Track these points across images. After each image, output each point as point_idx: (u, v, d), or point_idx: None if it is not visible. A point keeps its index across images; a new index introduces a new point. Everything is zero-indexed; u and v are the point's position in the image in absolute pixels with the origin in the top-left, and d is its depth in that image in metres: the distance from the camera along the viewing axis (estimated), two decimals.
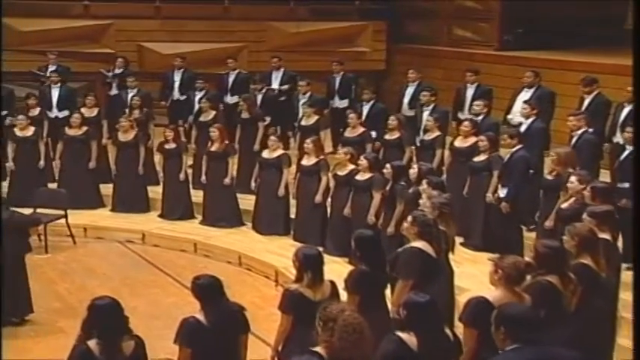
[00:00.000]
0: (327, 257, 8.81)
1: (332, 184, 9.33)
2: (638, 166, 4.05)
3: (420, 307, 4.50)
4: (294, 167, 10.05)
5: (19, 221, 7.57)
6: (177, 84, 12.90)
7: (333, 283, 5.48)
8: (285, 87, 12.67)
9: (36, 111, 11.53)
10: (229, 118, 11.70)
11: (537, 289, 5.08)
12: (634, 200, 3.88)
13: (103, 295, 4.80)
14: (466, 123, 9.53)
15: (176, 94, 12.92)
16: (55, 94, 12.28)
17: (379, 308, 5.71)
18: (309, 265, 5.35)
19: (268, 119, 11.65)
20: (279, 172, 9.72)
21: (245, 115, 11.29)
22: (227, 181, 10.18)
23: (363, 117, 11.00)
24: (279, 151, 9.86)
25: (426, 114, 10.63)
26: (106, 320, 4.61)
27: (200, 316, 4.99)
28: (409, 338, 4.40)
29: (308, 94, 12.03)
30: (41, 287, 8.29)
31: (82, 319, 4.69)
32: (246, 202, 10.30)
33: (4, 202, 8.16)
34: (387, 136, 10.23)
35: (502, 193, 8.59)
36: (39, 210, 9.76)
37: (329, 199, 9.36)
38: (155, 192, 10.90)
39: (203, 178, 10.34)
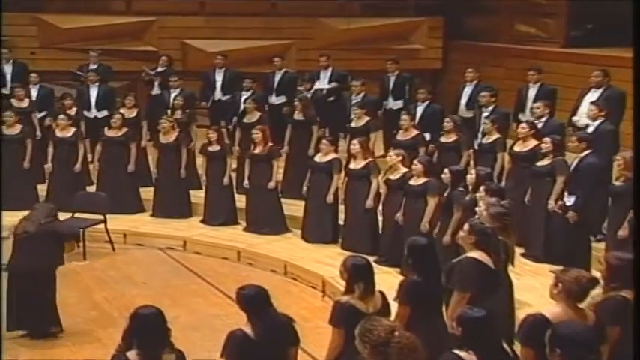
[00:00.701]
0: (377, 267, 8.88)
1: (383, 189, 9.29)
2: (639, 167, 4.00)
3: (476, 323, 4.42)
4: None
5: (56, 231, 7.54)
6: (218, 83, 13.02)
7: (383, 293, 5.45)
8: (333, 85, 12.63)
9: (72, 111, 11.71)
10: (274, 119, 11.75)
11: (610, 305, 4.96)
12: (634, 200, 3.83)
13: (147, 304, 4.83)
14: (523, 125, 9.42)
15: (218, 94, 13.02)
16: (93, 93, 12.49)
17: (433, 320, 5.67)
18: (361, 276, 5.32)
19: (317, 120, 11.66)
20: (330, 178, 9.73)
21: (298, 116, 11.32)
22: (271, 185, 10.21)
23: (417, 119, 10.98)
24: (331, 156, 9.85)
25: (485, 116, 10.54)
26: (148, 331, 4.62)
27: (247, 329, 4.98)
28: (469, 357, 4.30)
29: (362, 95, 12.00)
30: (78, 295, 8.43)
31: (124, 329, 4.72)
32: (294, 208, 10.33)
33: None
34: (442, 139, 10.16)
35: (569, 201, 8.43)
36: (77, 215, 9.91)
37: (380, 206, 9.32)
38: (197, 197, 10.98)
39: (246, 182, 10.40)
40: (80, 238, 7.67)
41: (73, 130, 11.10)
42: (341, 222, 9.74)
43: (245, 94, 12.18)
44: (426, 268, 5.69)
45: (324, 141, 10.08)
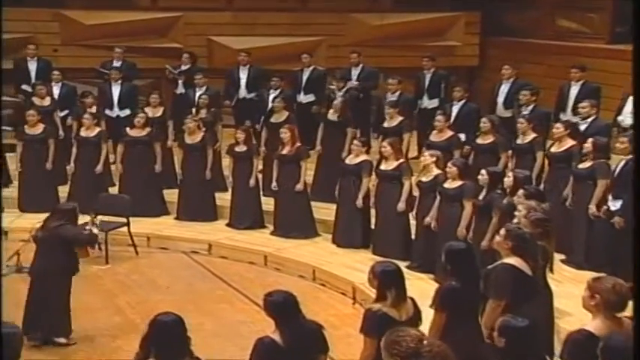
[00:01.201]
0: (410, 273, 8.89)
1: (416, 192, 9.28)
2: (638, 167, 4.02)
3: (521, 333, 4.39)
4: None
5: (61, 236, 7.42)
6: (243, 81, 13.06)
7: (413, 300, 5.45)
8: (352, 83, 12.56)
9: (93, 110, 11.76)
10: (302, 119, 11.76)
11: None
12: (634, 201, 3.84)
13: (167, 310, 4.85)
14: (557, 125, 9.38)
15: (242, 93, 13.07)
16: (115, 91, 12.59)
17: (470, 328, 5.66)
18: (391, 282, 5.32)
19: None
20: (360, 180, 9.73)
21: (332, 116, 11.33)
22: (299, 187, 10.24)
23: (453, 118, 10.93)
24: (362, 157, 9.86)
25: (522, 115, 10.46)
26: (167, 339, 4.64)
27: (275, 336, 5.01)
28: None
29: (397, 93, 11.97)
30: (101, 301, 8.52)
31: (142, 336, 4.74)
32: (325, 211, 10.34)
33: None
34: (478, 141, 10.12)
35: (614, 205, 8.35)
36: (100, 217, 9.97)
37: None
38: (223, 199, 11.04)
39: (274, 184, 10.43)
40: (95, 243, 7.62)
41: (97, 129, 11.19)
42: (373, 226, 9.75)
43: (273, 93, 12.22)
44: (464, 274, 5.69)
45: (355, 142, 10.09)
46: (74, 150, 11.14)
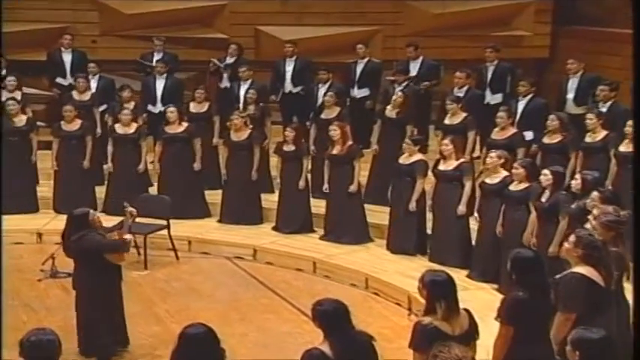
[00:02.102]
0: (471, 283, 8.85)
1: (478, 194, 9.22)
2: (638, 166, 4.02)
3: (596, 346, 4.33)
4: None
5: (93, 248, 7.42)
6: (288, 74, 13.08)
7: (469, 313, 5.40)
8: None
9: (130, 105, 11.91)
10: (355, 115, 11.74)
11: None
12: (635, 200, 3.83)
13: (197, 322, 4.89)
14: (629, 123, 9.21)
15: (288, 87, 13.09)
16: (160, 86, 12.70)
17: (539, 343, 5.61)
18: (441, 294, 5.29)
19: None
20: (412, 182, 9.71)
21: (391, 113, 11.30)
22: (352, 188, 10.23)
23: (518, 115, 10.84)
24: (416, 157, 9.84)
25: (596, 112, 10.31)
26: (197, 353, 4.68)
27: (325, 348, 5.02)
28: None
29: (465, 88, 11.85)
30: (139, 308, 8.60)
31: (171, 349, 4.79)
32: (380, 215, 10.34)
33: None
34: (545, 140, 10.02)
35: None
36: (138, 220, 10.08)
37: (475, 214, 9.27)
38: (269, 201, 11.11)
39: (325, 186, 10.44)
40: (123, 248, 7.64)
41: (135, 125, 11.30)
42: (429, 231, 9.73)
43: (321, 87, 12.23)
44: (532, 284, 5.63)
45: (406, 140, 10.06)
46: (109, 148, 11.27)
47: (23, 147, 11.35)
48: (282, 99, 13.12)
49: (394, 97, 11.35)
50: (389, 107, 11.34)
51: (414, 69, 12.84)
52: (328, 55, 13.58)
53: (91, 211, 7.72)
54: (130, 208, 8.09)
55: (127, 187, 10.86)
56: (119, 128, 11.30)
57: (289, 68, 13.09)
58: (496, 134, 10.23)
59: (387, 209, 10.14)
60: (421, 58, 12.92)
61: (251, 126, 11.19)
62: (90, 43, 14.06)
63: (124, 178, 11.14)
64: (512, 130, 10.17)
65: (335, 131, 10.29)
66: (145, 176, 11.43)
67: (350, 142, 10.34)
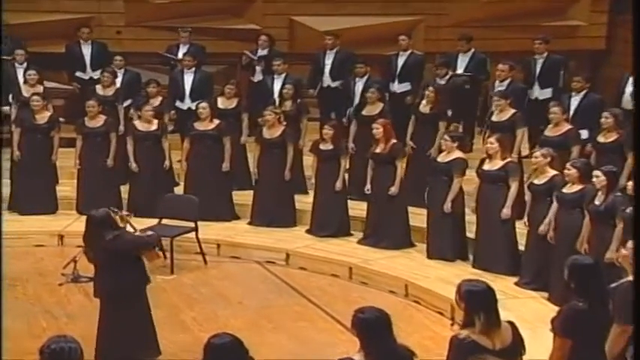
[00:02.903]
0: (519, 291, 8.79)
1: (527, 196, 9.16)
2: (639, 165, 3.99)
3: None
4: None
5: (131, 246, 7.51)
6: (327, 67, 13.08)
7: (513, 324, 5.35)
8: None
9: (157, 100, 11.98)
10: (396, 111, 11.71)
11: None
12: (635, 199, 3.78)
13: (223, 332, 4.89)
14: None
15: (326, 80, 13.08)
16: (188, 80, 12.74)
17: (599, 356, 5.57)
18: (479, 305, 5.22)
19: (449, 113, 11.58)
20: (450, 182, 9.68)
21: (425, 109, 11.28)
22: (394, 190, 10.21)
23: (572, 112, 10.75)
24: (455, 154, 9.81)
25: None
26: None
27: (359, 358, 5.01)
28: None
29: (507, 82, 11.80)
30: (164, 315, 8.61)
31: None
32: (420, 217, 10.30)
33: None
34: (600, 138, 9.93)
35: None
36: (164, 221, 10.17)
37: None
38: (303, 202, 11.12)
39: (367, 186, 10.43)
40: (156, 242, 7.67)
41: (156, 121, 11.32)
42: (472, 234, 9.68)
43: (359, 81, 12.20)
44: (592, 293, 5.57)
45: (445, 136, 10.03)
46: (129, 147, 11.27)
47: (44, 145, 11.44)
48: (320, 94, 13.12)
49: (426, 92, 11.36)
50: (423, 102, 11.33)
51: (462, 63, 12.76)
52: (367, 47, 13.56)
53: (112, 209, 7.76)
54: (123, 212, 8.08)
55: (149, 187, 10.96)
56: (140, 125, 11.35)
57: (328, 61, 13.10)
58: (549, 131, 10.16)
59: (425, 211, 10.11)
60: (472, 51, 12.84)
61: (285, 123, 11.19)
62: (114, 34, 14.16)
63: (147, 177, 11.20)
64: (567, 127, 10.09)
65: (378, 129, 10.28)
66: (169, 175, 11.47)
67: (394, 141, 10.32)
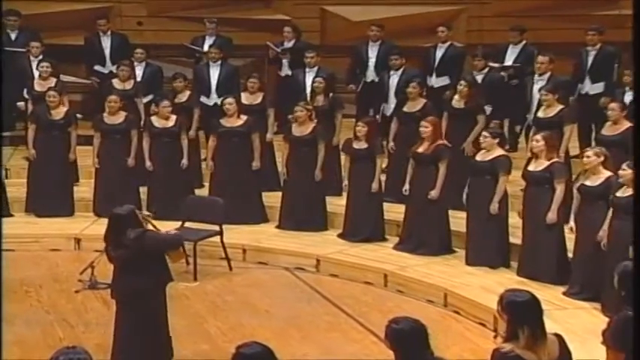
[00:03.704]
0: (569, 302, 8.73)
1: (576, 198, 9.08)
2: (638, 162, 3.98)
3: None
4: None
5: (159, 245, 7.59)
6: (372, 61, 13.04)
7: (560, 337, 5.30)
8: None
9: (184, 96, 12.01)
10: (435, 107, 11.66)
11: None
12: (635, 200, 3.75)
13: (253, 341, 4.86)
14: None
15: (370, 75, 13.05)
16: (214, 74, 12.77)
17: None
18: (523, 317, 5.17)
19: (489, 109, 11.51)
20: (494, 182, 9.62)
21: (458, 103, 11.22)
22: (433, 194, 10.14)
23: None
24: (497, 152, 9.75)
25: None
26: None
27: None
28: None
29: (547, 75, 11.72)
30: (187, 324, 8.68)
31: None
32: (459, 222, 10.26)
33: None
34: None
35: None
36: (187, 224, 10.18)
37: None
38: (336, 204, 11.11)
39: (406, 187, 10.38)
40: (182, 242, 7.71)
41: (174, 118, 11.33)
42: (518, 240, 9.61)
43: (394, 74, 12.17)
44: None
45: (484, 133, 9.95)
46: (144, 145, 11.29)
47: (60, 142, 11.51)
48: (363, 89, 13.07)
49: (459, 87, 11.31)
50: (456, 97, 11.30)
51: (512, 55, 12.67)
52: (403, 39, 13.52)
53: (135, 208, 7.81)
54: (144, 212, 8.14)
55: (167, 188, 10.99)
56: (156, 121, 11.36)
57: (372, 54, 13.05)
58: (607, 129, 10.11)
59: (462, 214, 10.07)
60: (523, 43, 12.75)
61: (316, 119, 11.17)
62: (135, 25, 14.21)
63: (163, 177, 11.23)
64: (627, 124, 9.96)
65: (427, 128, 10.20)
66: (189, 175, 11.46)
67: (440, 141, 10.25)
